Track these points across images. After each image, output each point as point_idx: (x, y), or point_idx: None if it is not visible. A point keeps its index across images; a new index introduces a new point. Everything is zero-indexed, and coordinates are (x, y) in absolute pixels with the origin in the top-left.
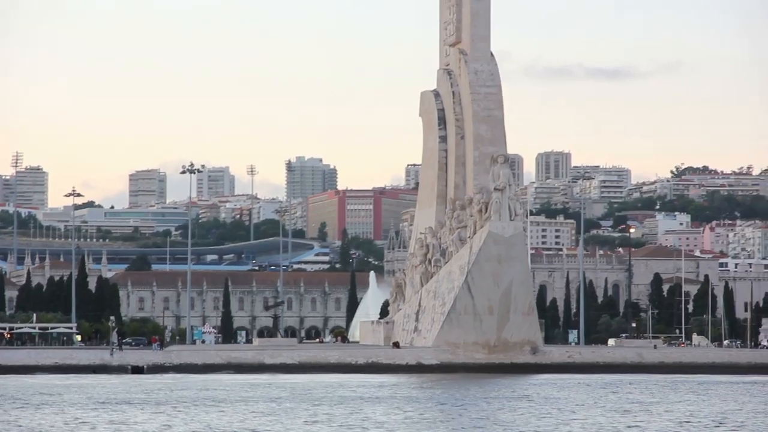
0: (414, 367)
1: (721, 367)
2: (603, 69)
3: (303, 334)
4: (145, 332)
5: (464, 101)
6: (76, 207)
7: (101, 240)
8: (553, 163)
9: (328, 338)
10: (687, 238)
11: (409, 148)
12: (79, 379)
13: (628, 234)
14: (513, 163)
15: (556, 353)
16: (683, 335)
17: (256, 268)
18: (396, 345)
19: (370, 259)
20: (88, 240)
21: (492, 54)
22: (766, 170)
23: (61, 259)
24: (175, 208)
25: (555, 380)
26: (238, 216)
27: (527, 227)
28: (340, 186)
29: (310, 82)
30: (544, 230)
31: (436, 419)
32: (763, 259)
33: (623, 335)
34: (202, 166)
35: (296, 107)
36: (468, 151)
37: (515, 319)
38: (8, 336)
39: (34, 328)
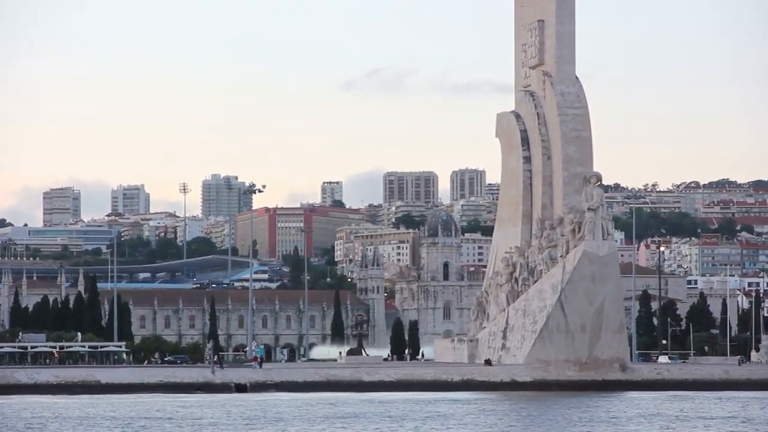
0: (508, 384)
1: None
2: (509, 85)
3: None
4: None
5: (550, 122)
6: None
7: (32, 259)
8: (468, 180)
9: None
10: (622, 255)
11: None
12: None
13: None
14: (428, 182)
15: (645, 370)
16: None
17: (198, 285)
18: (488, 362)
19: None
20: (18, 258)
21: (577, 76)
22: (687, 185)
23: (34, 278)
24: (99, 225)
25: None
26: (163, 234)
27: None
28: (256, 204)
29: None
30: (480, 247)
31: None
32: (702, 276)
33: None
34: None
35: (204, 125)
36: (556, 172)
37: (606, 336)
38: (57, 355)
39: (84, 346)
